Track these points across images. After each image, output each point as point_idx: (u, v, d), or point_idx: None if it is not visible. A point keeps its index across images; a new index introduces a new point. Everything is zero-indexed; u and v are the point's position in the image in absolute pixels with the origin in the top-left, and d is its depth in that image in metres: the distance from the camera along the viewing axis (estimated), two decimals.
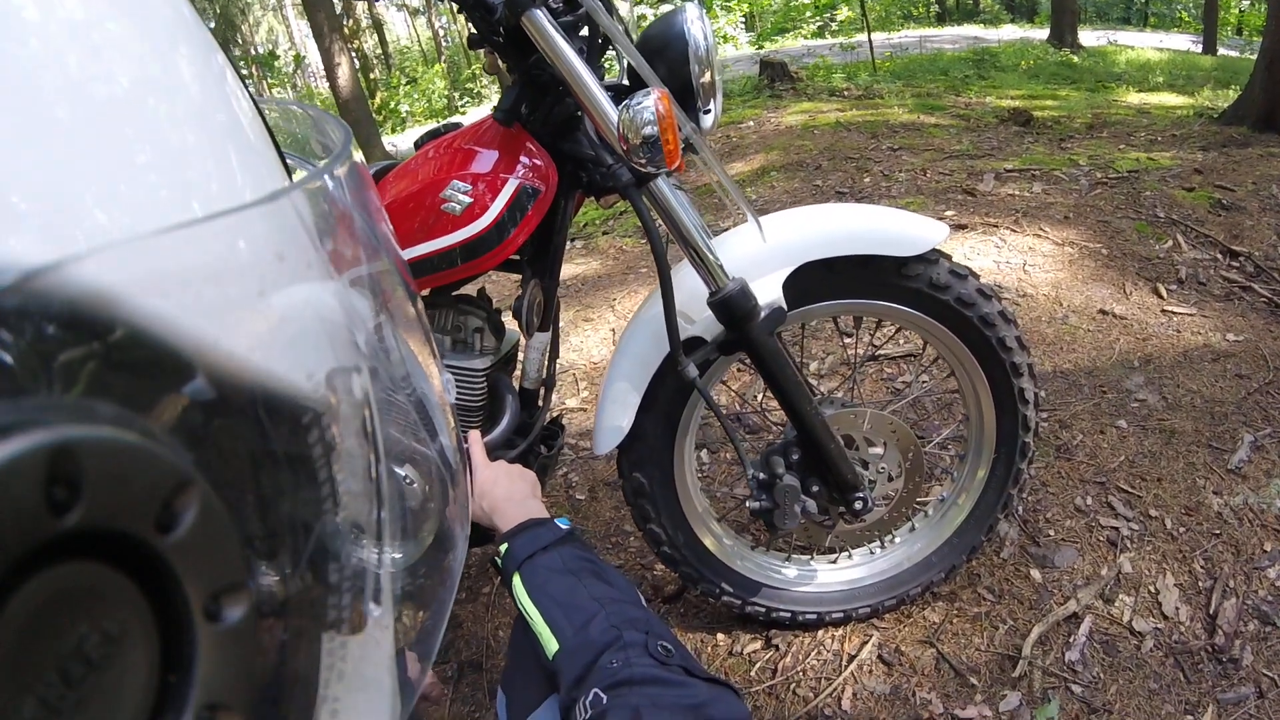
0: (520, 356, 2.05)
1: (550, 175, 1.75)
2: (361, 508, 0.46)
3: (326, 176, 0.47)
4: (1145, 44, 19.42)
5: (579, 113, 1.74)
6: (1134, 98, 10.03)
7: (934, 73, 13.00)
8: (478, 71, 38.01)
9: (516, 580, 1.39)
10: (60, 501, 0.28)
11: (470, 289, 1.98)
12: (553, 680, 1.27)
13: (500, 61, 1.78)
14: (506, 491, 1.61)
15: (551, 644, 1.26)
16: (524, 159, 1.75)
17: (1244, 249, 3.94)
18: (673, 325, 1.64)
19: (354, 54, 14.43)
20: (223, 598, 0.36)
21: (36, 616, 0.28)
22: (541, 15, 1.53)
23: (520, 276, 1.92)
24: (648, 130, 1.44)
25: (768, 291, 1.69)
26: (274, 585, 0.40)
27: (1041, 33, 20.37)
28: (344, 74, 14.24)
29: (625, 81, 1.76)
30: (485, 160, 1.75)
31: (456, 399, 1.91)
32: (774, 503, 1.80)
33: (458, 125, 1.92)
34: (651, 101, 1.44)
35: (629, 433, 1.84)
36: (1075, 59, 14.35)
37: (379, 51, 46.03)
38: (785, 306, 1.71)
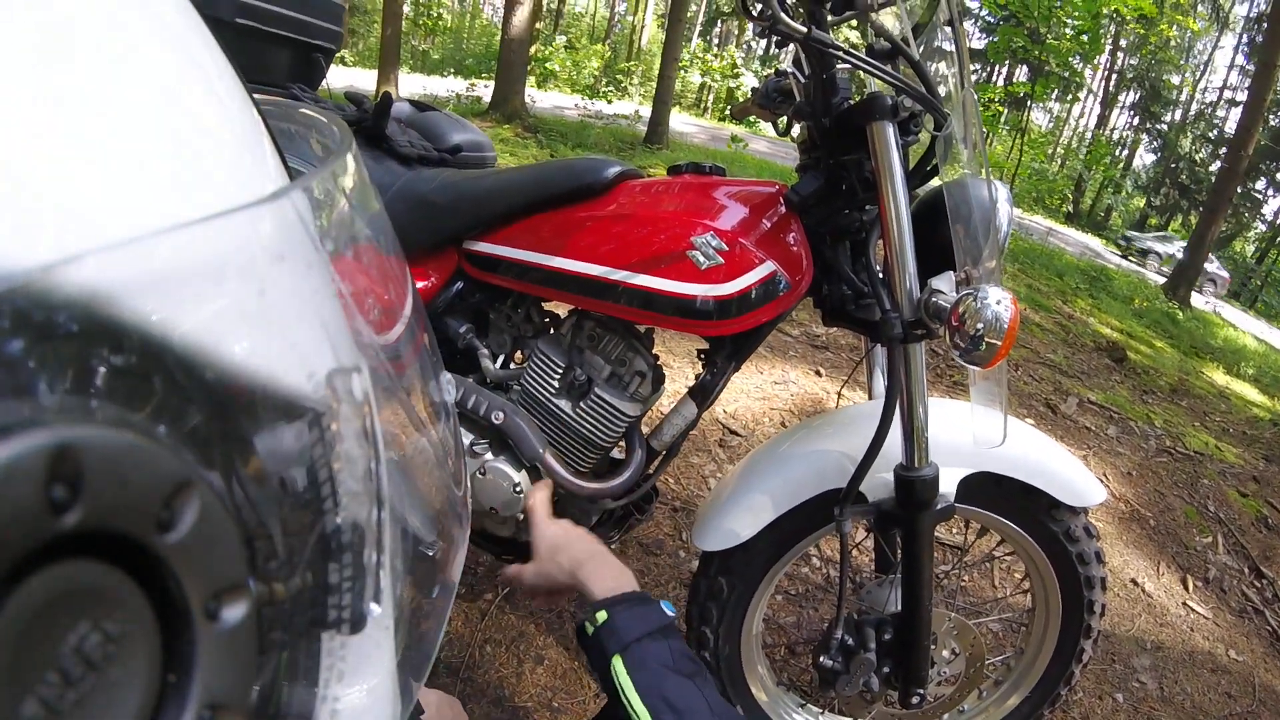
0: (663, 416, 1.95)
1: (806, 276, 1.67)
2: (361, 508, 0.46)
3: (327, 175, 0.47)
4: (1248, 328, 19.71)
5: (864, 234, 1.68)
6: (1220, 377, 10.05)
7: (1050, 271, 13.03)
8: (630, 67, 37.67)
9: (618, 663, 1.23)
10: (60, 501, 0.28)
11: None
12: None
13: (802, 132, 1.73)
14: (588, 549, 1.47)
15: None
16: (790, 247, 1.67)
17: (1271, 573, 4.05)
18: (860, 479, 1.61)
19: None
20: (223, 598, 0.36)
21: (37, 616, 0.28)
22: (891, 131, 1.49)
23: (707, 347, 1.86)
24: (988, 332, 1.36)
25: (946, 483, 1.66)
26: (274, 585, 0.40)
27: (1158, 275, 20.62)
28: (521, 14, 14.37)
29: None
30: (751, 228, 1.65)
31: (582, 427, 1.86)
32: (845, 668, 1.77)
33: (722, 171, 1.83)
34: (1006, 308, 1.36)
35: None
36: (1180, 315, 14.21)
37: (553, 6, 45.51)
38: (954, 504, 1.69)
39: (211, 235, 0.35)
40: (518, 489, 1.89)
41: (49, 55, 0.32)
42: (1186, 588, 3.68)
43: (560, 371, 1.88)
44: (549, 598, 1.54)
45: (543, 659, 2.40)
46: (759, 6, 1.40)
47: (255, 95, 0.51)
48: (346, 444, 0.44)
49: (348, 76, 19.45)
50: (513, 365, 2.09)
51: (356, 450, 0.45)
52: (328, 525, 0.44)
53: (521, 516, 1.94)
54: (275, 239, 0.40)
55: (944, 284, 1.52)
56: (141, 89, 0.37)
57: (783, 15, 1.38)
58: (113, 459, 0.30)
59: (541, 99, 20.85)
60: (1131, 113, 53.09)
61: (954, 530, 3.38)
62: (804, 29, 1.42)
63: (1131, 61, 46.34)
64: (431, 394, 0.66)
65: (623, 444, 1.97)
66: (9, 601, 0.27)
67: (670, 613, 1.35)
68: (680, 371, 4.35)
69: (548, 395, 1.89)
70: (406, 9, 24.16)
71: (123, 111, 0.35)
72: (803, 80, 1.68)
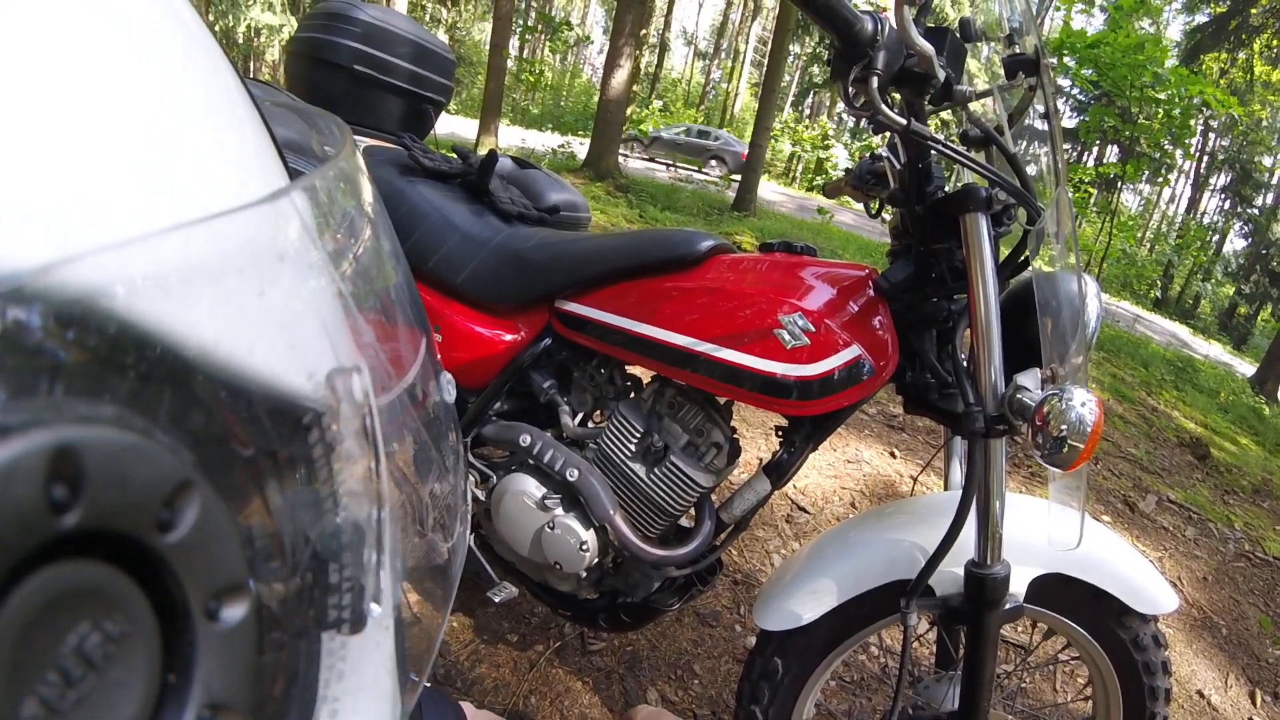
0: (735, 488, 1.91)
1: (891, 362, 1.65)
2: (361, 508, 0.46)
3: (328, 175, 0.47)
4: None
5: (952, 324, 1.66)
6: None
7: (1136, 361, 12.79)
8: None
9: None
10: (60, 501, 0.28)
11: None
12: None
13: (894, 217, 1.74)
14: None
15: None
16: (876, 332, 1.66)
17: None
18: (930, 572, 1.58)
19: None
20: (223, 598, 0.36)
21: (37, 616, 0.28)
22: (985, 224, 1.49)
23: (786, 425, 1.85)
24: (1071, 435, 1.33)
25: (1016, 582, 1.62)
26: (274, 585, 0.40)
27: (1247, 367, 20.29)
28: (620, 75, 14.88)
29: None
30: (838, 311, 1.64)
31: (654, 493, 1.86)
32: None
33: (813, 251, 1.85)
34: (1090, 411, 1.34)
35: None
36: (1267, 411, 13.62)
37: (650, 70, 46.74)
38: (1023, 604, 1.65)
39: (211, 235, 0.35)
40: (583, 547, 1.89)
41: (48, 55, 0.33)
42: (1255, 703, 3.48)
43: (638, 436, 1.88)
44: None
45: (586, 717, 2.38)
46: (861, 100, 1.41)
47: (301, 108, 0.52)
48: (346, 444, 0.44)
49: (450, 124, 19.94)
50: (591, 424, 2.10)
51: (356, 450, 0.45)
52: (328, 525, 0.43)
53: (584, 574, 1.94)
54: (275, 239, 0.40)
55: (1029, 380, 1.48)
56: (141, 89, 0.38)
57: (883, 107, 1.38)
58: (113, 459, 0.30)
59: (634, 160, 21.08)
60: (1222, 196, 52.03)
61: (1019, 629, 3.28)
62: (904, 121, 1.42)
63: (1223, 143, 45.63)
64: (432, 394, 0.66)
65: (692, 513, 1.95)
66: (9, 602, 0.27)
67: None
68: (753, 443, 4.31)
69: (623, 458, 1.89)
70: (510, 64, 24.67)
71: (122, 111, 0.36)
72: (897, 166, 1.67)
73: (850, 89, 1.42)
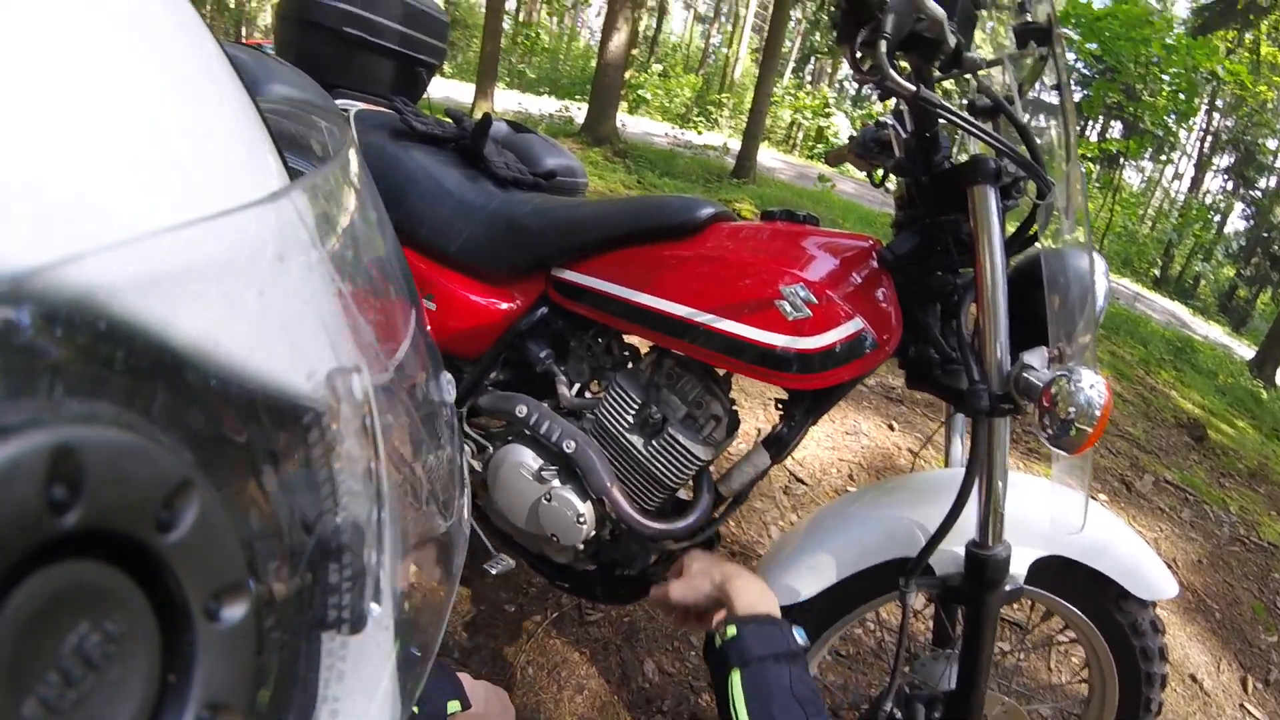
0: (734, 461, 1.90)
1: (894, 336, 1.62)
2: (361, 508, 0.46)
3: (327, 175, 0.47)
4: None
5: (957, 298, 1.63)
6: None
7: (1135, 339, 12.61)
8: (722, 99, 38.25)
9: (736, 678, 1.27)
10: (60, 501, 0.28)
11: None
12: None
13: (899, 187, 1.70)
14: (739, 569, 1.50)
15: None
16: (879, 304, 1.63)
17: None
18: (931, 551, 1.57)
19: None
20: (223, 598, 0.36)
21: (37, 616, 0.28)
22: (993, 196, 1.46)
23: (786, 398, 1.82)
24: (1079, 418, 1.30)
25: (1017, 564, 1.61)
26: (274, 585, 0.40)
27: (1246, 349, 20.10)
28: (618, 39, 14.78)
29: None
30: (841, 282, 1.61)
31: (652, 466, 1.84)
32: None
33: (815, 220, 1.82)
34: (1099, 393, 1.31)
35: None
36: (1265, 396, 13.41)
37: (649, 34, 46.59)
38: (1023, 586, 1.65)
39: (211, 235, 0.35)
40: (580, 519, 1.88)
41: (49, 55, 0.32)
42: (1246, 689, 3.50)
43: (636, 407, 1.86)
44: (686, 619, 1.56)
45: (583, 688, 2.39)
46: (868, 64, 1.38)
47: (265, 106, 0.52)
48: (346, 444, 0.44)
49: (445, 88, 19.79)
50: (589, 395, 2.09)
51: (356, 450, 0.45)
52: (328, 525, 0.44)
53: (581, 546, 1.94)
54: (275, 239, 0.40)
55: (1035, 359, 1.45)
56: (141, 89, 0.38)
57: (891, 73, 1.35)
58: (113, 459, 0.30)
59: (632, 124, 21.03)
60: (1225, 177, 51.78)
61: (1015, 607, 3.30)
62: (912, 87, 1.38)
63: (1227, 123, 45.39)
64: (431, 393, 0.66)
65: (690, 486, 1.94)
66: (9, 601, 0.27)
67: (802, 640, 1.37)
68: (752, 413, 4.31)
69: (621, 429, 1.88)
70: (506, 27, 24.57)
71: (123, 111, 0.36)
72: (903, 135, 1.64)
73: (857, 53, 1.39)
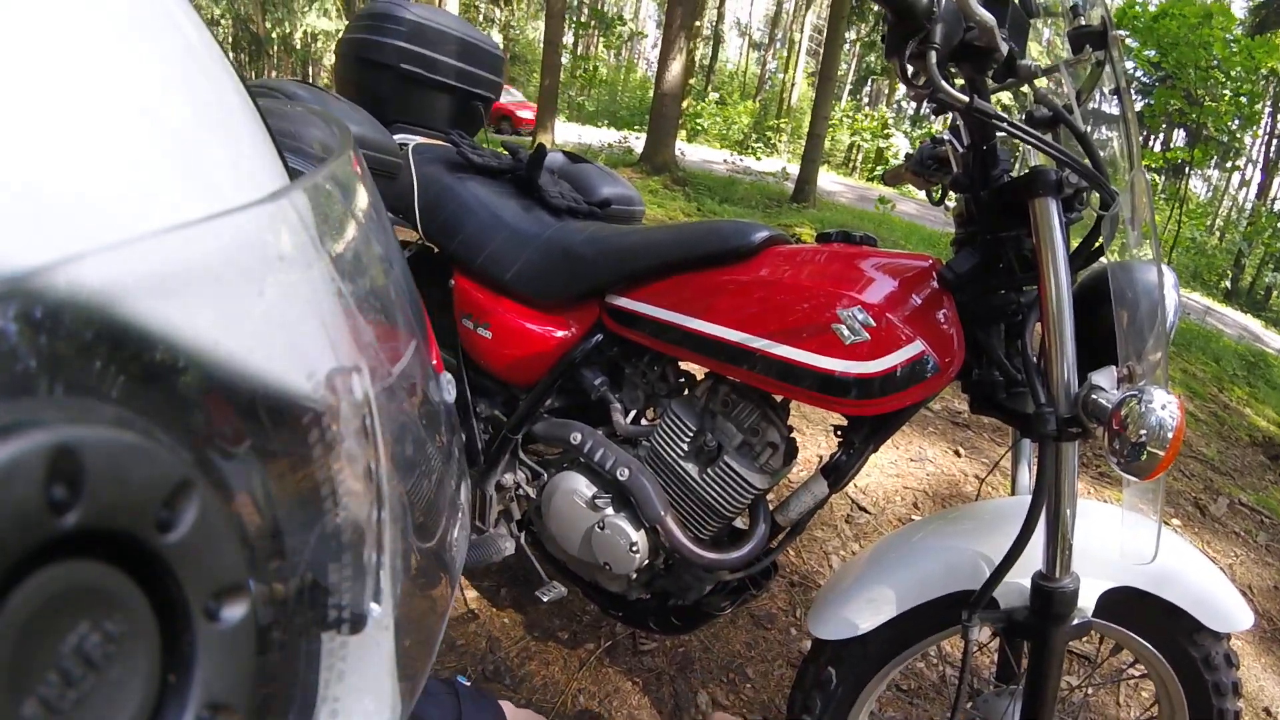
0: (792, 489, 1.87)
1: (956, 359, 1.57)
2: (361, 508, 0.46)
3: (327, 176, 0.47)
4: None
5: (1021, 317, 1.56)
6: None
7: (1207, 355, 12.26)
8: (780, 124, 38.59)
9: None
10: (60, 501, 0.28)
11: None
12: None
13: (958, 204, 1.67)
14: None
15: None
16: (940, 326, 1.58)
17: None
18: (996, 583, 1.51)
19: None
20: (223, 598, 0.36)
21: (37, 616, 0.28)
22: (1055, 208, 1.41)
23: (845, 425, 1.79)
24: (1151, 441, 1.25)
25: (1085, 596, 1.54)
26: (274, 585, 0.40)
27: None
28: (675, 69, 15.06)
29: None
30: (900, 304, 1.57)
31: (707, 494, 1.82)
32: None
33: (873, 241, 1.81)
34: (1172, 415, 1.25)
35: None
36: None
37: (705, 63, 47.12)
38: (1091, 619, 1.57)
39: (211, 235, 0.35)
40: (633, 548, 1.87)
41: (48, 55, 0.33)
42: None
43: (691, 435, 1.85)
44: None
45: (634, 718, 2.37)
46: (920, 77, 1.37)
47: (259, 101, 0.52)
48: (346, 444, 0.44)
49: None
50: (644, 422, 2.09)
51: (356, 450, 0.45)
52: (328, 525, 0.43)
53: (634, 575, 1.93)
54: (275, 239, 0.40)
55: (1104, 379, 1.39)
56: (141, 89, 0.38)
57: (944, 84, 1.33)
58: (113, 459, 0.30)
59: (691, 153, 21.16)
60: None
61: (1084, 640, 3.22)
62: (965, 98, 1.36)
63: None
64: (431, 393, 0.66)
65: (746, 515, 1.91)
66: (9, 602, 0.27)
67: None
68: (812, 439, 4.26)
69: (675, 457, 1.86)
70: (564, 61, 24.85)
71: (123, 111, 0.36)
72: (960, 149, 1.60)
73: (908, 66, 1.37)
